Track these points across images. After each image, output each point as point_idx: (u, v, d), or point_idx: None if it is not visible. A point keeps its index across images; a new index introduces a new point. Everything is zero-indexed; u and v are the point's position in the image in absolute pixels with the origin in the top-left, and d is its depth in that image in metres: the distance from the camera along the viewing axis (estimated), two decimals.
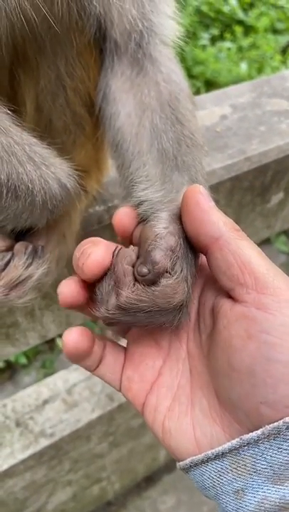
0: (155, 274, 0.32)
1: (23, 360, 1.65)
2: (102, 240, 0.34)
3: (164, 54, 0.42)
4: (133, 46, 0.40)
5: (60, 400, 0.94)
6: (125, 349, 0.39)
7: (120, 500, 1.38)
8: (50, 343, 1.72)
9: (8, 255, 0.40)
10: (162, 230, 0.34)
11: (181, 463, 0.34)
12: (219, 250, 0.32)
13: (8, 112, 0.37)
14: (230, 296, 0.32)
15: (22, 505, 0.99)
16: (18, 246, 0.41)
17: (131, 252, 0.34)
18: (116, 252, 0.33)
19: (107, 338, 0.39)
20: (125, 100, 0.42)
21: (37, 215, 0.38)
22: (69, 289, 0.34)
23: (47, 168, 0.37)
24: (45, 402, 0.93)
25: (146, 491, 1.41)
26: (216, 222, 0.32)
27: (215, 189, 0.62)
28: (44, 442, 0.87)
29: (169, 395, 0.36)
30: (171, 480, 1.41)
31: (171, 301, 0.32)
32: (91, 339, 0.36)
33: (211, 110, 0.70)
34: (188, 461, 0.33)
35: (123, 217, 0.38)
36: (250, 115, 0.69)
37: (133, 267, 0.33)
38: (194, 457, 0.32)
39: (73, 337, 0.35)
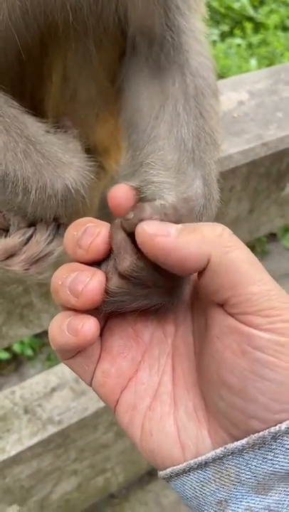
0: (138, 218, 0.30)
1: (29, 352, 1.65)
2: (99, 220, 0.32)
3: (194, 47, 0.41)
4: (162, 33, 0.40)
5: (68, 388, 0.94)
6: (101, 340, 0.35)
7: (123, 493, 1.38)
8: None
9: (30, 231, 0.40)
10: (164, 202, 0.33)
11: (161, 472, 0.32)
12: (208, 272, 0.29)
13: (14, 103, 0.37)
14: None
15: (27, 494, 0.99)
16: (40, 223, 0.41)
17: (129, 241, 0.31)
18: (114, 222, 0.31)
19: None
20: (148, 84, 0.41)
21: (40, 211, 0.38)
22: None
23: (46, 167, 0.36)
24: (53, 389, 0.93)
25: (148, 485, 1.41)
26: (198, 240, 0.28)
27: (232, 174, 0.62)
28: (52, 429, 0.87)
29: (149, 392, 0.33)
30: None
31: (169, 277, 0.31)
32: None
33: (228, 96, 0.70)
34: (168, 470, 0.31)
35: (118, 193, 0.35)
36: (267, 101, 0.69)
37: None
38: (175, 467, 0.31)
39: (92, 330, 0.31)
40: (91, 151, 0.45)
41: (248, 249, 0.30)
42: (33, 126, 0.37)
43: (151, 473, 1.38)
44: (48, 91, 0.43)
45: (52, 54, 0.40)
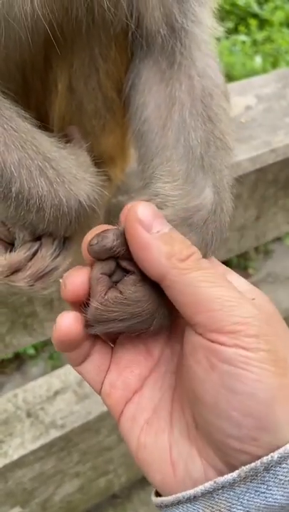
0: (100, 246, 0.30)
1: (31, 351, 1.65)
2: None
3: (202, 48, 0.40)
4: (168, 37, 0.39)
5: (71, 392, 0.93)
6: (112, 351, 0.36)
7: (125, 493, 1.38)
8: None
9: (36, 245, 0.39)
10: None
11: (153, 499, 0.32)
12: (168, 289, 0.29)
13: (27, 117, 0.36)
14: None
15: (29, 496, 0.99)
16: (46, 237, 0.40)
17: (112, 263, 0.32)
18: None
19: (98, 336, 0.36)
20: (155, 91, 0.40)
21: (53, 228, 0.37)
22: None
23: (60, 185, 0.36)
24: (56, 393, 0.93)
25: (150, 485, 1.41)
26: (156, 258, 0.29)
27: (239, 182, 0.61)
28: (55, 433, 0.87)
29: (150, 407, 0.34)
30: None
31: (142, 307, 0.31)
32: (81, 328, 0.33)
33: (235, 100, 0.68)
34: (159, 500, 0.31)
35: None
36: (275, 106, 0.68)
37: (110, 276, 0.32)
38: (165, 498, 0.30)
39: (66, 321, 0.32)
40: (96, 160, 0.44)
41: (213, 273, 0.30)
42: (46, 141, 0.37)
43: None
44: (53, 102, 0.42)
45: (56, 65, 0.39)
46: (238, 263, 1.72)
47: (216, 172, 0.37)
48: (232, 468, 0.28)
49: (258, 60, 2.29)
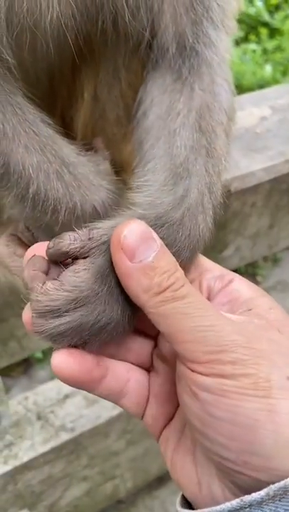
0: (56, 248, 0.30)
1: (39, 355, 1.65)
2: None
3: (212, 68, 0.40)
4: (177, 55, 0.39)
5: (81, 396, 0.94)
6: (149, 379, 0.35)
7: (131, 499, 1.38)
8: None
9: None
10: (99, 222, 0.32)
11: (179, 509, 0.32)
12: (150, 317, 0.29)
13: (50, 123, 0.37)
14: None
15: (37, 499, 1.00)
16: None
17: (41, 258, 0.31)
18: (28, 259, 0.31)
19: (131, 365, 0.35)
20: (157, 103, 0.41)
21: (68, 231, 0.38)
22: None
23: (76, 189, 0.37)
24: (66, 396, 0.93)
25: (156, 491, 1.41)
26: (135, 289, 0.28)
27: (253, 191, 0.62)
28: (65, 436, 0.87)
29: (179, 429, 0.34)
30: None
31: (84, 292, 0.29)
32: (85, 365, 0.31)
33: (250, 111, 0.69)
34: None
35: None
36: None
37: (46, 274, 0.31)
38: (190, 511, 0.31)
39: (58, 360, 0.30)
40: (118, 170, 0.45)
41: (190, 302, 0.28)
42: (66, 147, 0.38)
43: (159, 480, 1.38)
44: (78, 110, 0.43)
45: (84, 74, 0.40)
46: (246, 270, 1.73)
47: (192, 177, 0.36)
48: (240, 488, 0.28)
49: (268, 68, 2.30)
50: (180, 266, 0.30)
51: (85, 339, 0.30)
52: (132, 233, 0.29)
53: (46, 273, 0.31)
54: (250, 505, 0.27)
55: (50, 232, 0.39)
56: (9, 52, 0.33)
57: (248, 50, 2.42)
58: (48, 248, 0.30)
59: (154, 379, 0.35)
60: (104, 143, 0.45)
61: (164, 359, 0.35)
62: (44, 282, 0.29)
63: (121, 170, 0.46)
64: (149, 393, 0.35)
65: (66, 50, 0.37)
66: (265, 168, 0.61)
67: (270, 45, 2.47)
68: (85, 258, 0.30)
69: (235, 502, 0.27)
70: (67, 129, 0.43)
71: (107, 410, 0.92)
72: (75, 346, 0.30)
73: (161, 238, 0.30)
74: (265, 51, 2.46)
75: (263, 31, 2.51)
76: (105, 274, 0.30)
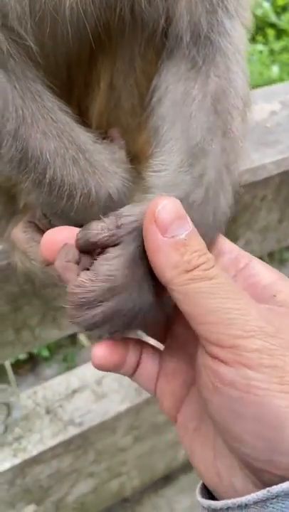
0: (85, 239, 0.30)
1: (46, 353, 1.66)
2: None
3: (227, 57, 0.40)
4: (191, 44, 0.40)
5: (90, 391, 0.94)
6: (160, 356, 0.36)
7: (136, 497, 1.38)
8: (72, 338, 1.73)
9: None
10: (126, 209, 0.32)
11: (199, 499, 0.31)
12: (172, 296, 0.28)
13: (67, 111, 0.38)
14: None
15: (45, 494, 1.00)
16: None
17: (72, 247, 0.31)
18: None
19: (145, 343, 0.36)
20: (172, 90, 0.41)
21: (82, 217, 0.38)
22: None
23: (92, 175, 0.37)
24: (75, 391, 0.94)
25: (162, 489, 1.41)
26: (163, 264, 0.28)
27: (264, 184, 0.62)
28: (73, 431, 0.88)
29: (197, 415, 0.33)
30: (188, 480, 1.40)
31: (119, 281, 0.29)
32: (122, 352, 0.33)
33: (260, 106, 0.70)
34: (206, 504, 0.30)
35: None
36: None
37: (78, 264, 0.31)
38: (212, 502, 0.29)
39: (101, 353, 0.32)
40: (132, 159, 0.46)
41: (220, 283, 0.28)
42: (83, 134, 0.38)
43: (166, 478, 1.38)
44: (94, 99, 0.44)
45: (101, 63, 0.41)
46: None
47: (209, 156, 0.36)
48: (264, 484, 0.27)
49: (275, 69, 2.30)
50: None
51: (120, 327, 0.31)
52: (167, 208, 0.28)
53: (78, 262, 0.31)
54: (277, 496, 0.26)
55: (67, 219, 0.39)
56: (32, 39, 0.34)
57: (255, 50, 2.43)
58: (77, 239, 0.30)
59: (166, 355, 0.35)
60: (120, 133, 0.45)
61: (178, 337, 0.35)
62: (78, 273, 0.30)
63: (135, 160, 0.46)
64: (159, 370, 0.35)
65: (85, 37, 0.37)
66: (276, 162, 0.62)
67: (277, 45, 2.48)
68: (114, 246, 0.30)
69: (260, 493, 0.26)
70: (82, 119, 0.44)
71: (115, 405, 0.93)
72: (111, 337, 0.32)
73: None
74: (272, 52, 2.47)
75: (270, 32, 2.52)
76: (138, 261, 0.30)
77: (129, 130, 0.46)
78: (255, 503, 0.27)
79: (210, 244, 0.34)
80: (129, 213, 0.31)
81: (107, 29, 0.38)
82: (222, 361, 0.26)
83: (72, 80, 0.43)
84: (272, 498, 0.26)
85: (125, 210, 0.32)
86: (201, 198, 0.34)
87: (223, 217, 0.36)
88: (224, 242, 0.36)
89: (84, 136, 0.38)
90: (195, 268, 0.28)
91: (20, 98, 0.34)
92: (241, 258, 0.35)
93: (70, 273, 0.30)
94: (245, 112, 0.40)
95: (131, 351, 0.34)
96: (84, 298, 0.29)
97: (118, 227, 0.30)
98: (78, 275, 0.30)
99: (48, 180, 0.36)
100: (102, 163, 0.38)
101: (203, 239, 0.30)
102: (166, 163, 0.37)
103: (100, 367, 0.32)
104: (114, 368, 0.33)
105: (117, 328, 0.31)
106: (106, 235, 0.30)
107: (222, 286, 0.28)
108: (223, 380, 0.26)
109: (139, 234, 0.30)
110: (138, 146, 0.47)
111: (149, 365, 0.35)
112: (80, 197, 0.37)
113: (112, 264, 0.29)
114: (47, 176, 0.36)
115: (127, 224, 0.30)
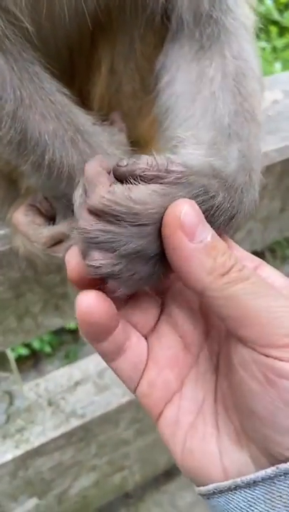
0: (131, 169, 0.27)
1: (48, 349, 1.66)
2: None
3: (236, 34, 0.40)
4: (196, 24, 0.40)
5: (92, 383, 0.94)
6: (148, 347, 0.33)
7: (138, 493, 1.38)
8: (74, 334, 1.73)
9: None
10: (175, 157, 0.29)
11: (202, 488, 0.30)
12: (208, 302, 0.27)
13: (66, 93, 0.38)
14: None
15: (47, 487, 1.00)
16: None
17: (106, 160, 0.29)
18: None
19: (133, 328, 0.33)
20: (184, 69, 0.40)
21: None
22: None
23: (90, 156, 0.36)
24: (77, 383, 0.94)
25: (165, 485, 1.40)
26: (198, 272, 0.26)
27: (266, 172, 0.62)
28: (75, 422, 0.88)
29: (193, 409, 0.32)
30: None
31: (148, 211, 0.26)
32: (111, 311, 0.29)
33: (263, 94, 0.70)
34: (211, 487, 0.29)
35: None
36: None
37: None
38: (220, 483, 0.29)
39: (90, 300, 0.28)
40: (133, 143, 0.46)
41: (255, 282, 0.27)
42: (82, 116, 0.38)
43: (167, 474, 1.38)
44: (95, 83, 0.44)
45: (102, 46, 0.41)
46: None
47: (242, 141, 0.36)
48: None
49: (277, 66, 2.30)
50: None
51: (124, 273, 0.28)
52: (190, 213, 0.26)
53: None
54: (286, 474, 0.26)
55: (67, 202, 0.39)
56: (28, 20, 0.34)
57: (257, 48, 2.42)
58: (120, 165, 0.28)
59: (155, 343, 0.33)
60: (121, 117, 0.45)
61: (175, 325, 0.33)
62: (110, 184, 0.27)
63: (136, 144, 0.46)
64: (147, 358, 0.33)
65: (84, 20, 0.38)
66: (278, 149, 0.62)
67: (280, 43, 2.48)
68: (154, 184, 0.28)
69: (270, 470, 0.27)
70: (84, 103, 0.44)
71: (116, 397, 0.93)
72: (104, 290, 0.29)
73: (228, 203, 0.29)
74: (274, 49, 2.47)
75: (273, 29, 2.52)
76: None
77: (131, 114, 0.46)
78: (264, 479, 0.27)
79: (237, 229, 0.34)
80: (180, 161, 0.29)
81: (107, 12, 0.38)
82: (275, 358, 0.26)
83: (74, 65, 0.43)
84: (281, 475, 0.26)
85: (175, 157, 0.29)
86: (243, 182, 0.33)
87: (254, 204, 0.35)
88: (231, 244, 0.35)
89: (83, 118, 0.38)
90: (230, 270, 0.27)
91: (18, 79, 0.34)
92: (250, 261, 0.33)
93: (103, 178, 0.27)
94: (262, 95, 0.40)
95: (121, 326, 0.31)
96: (109, 207, 0.26)
97: (167, 171, 0.28)
98: (111, 185, 0.27)
99: (47, 162, 0.36)
100: (100, 145, 0.38)
101: (236, 225, 0.30)
102: (195, 138, 0.35)
103: (85, 315, 0.28)
104: (100, 326, 0.29)
105: (120, 270, 0.27)
106: (152, 173, 0.28)
107: (260, 284, 0.27)
108: (279, 373, 0.26)
109: (185, 187, 0.28)
110: (139, 130, 0.47)
111: (135, 354, 0.32)
112: (80, 178, 0.37)
113: (149, 194, 0.27)
114: (46, 157, 0.36)
115: (176, 172, 0.28)
